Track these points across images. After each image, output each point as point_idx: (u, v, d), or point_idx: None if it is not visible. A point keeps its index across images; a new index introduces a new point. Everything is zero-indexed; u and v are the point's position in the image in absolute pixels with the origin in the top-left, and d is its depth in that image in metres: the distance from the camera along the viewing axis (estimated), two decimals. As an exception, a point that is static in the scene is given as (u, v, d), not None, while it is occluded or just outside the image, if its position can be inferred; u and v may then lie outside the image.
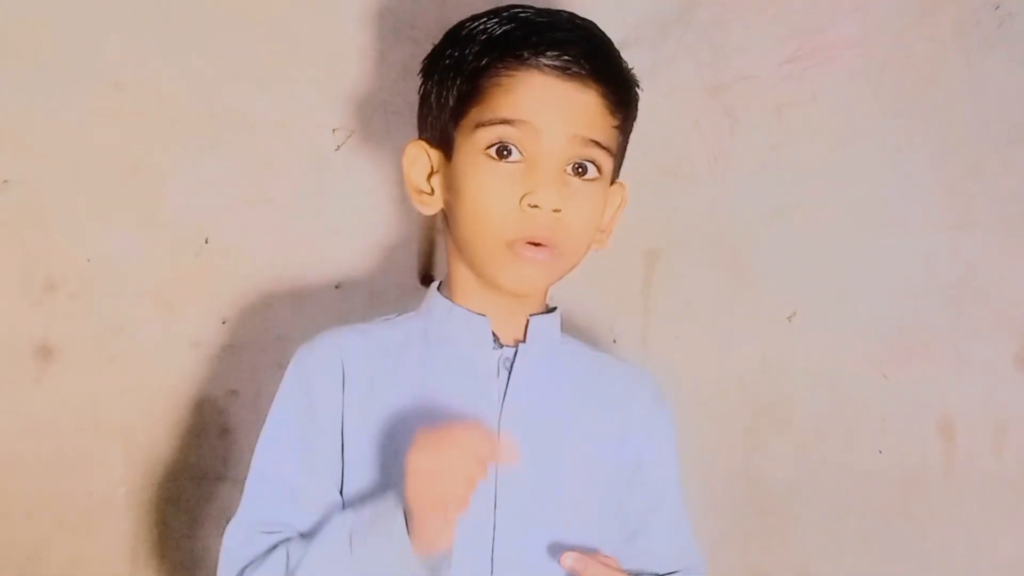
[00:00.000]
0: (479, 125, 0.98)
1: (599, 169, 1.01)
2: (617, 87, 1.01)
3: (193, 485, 1.25)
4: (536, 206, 0.96)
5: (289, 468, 1.00)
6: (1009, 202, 1.31)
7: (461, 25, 1.03)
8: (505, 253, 0.98)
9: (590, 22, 1.03)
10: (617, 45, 1.03)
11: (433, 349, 1.03)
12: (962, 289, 1.32)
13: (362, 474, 1.00)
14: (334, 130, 1.28)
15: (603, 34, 1.03)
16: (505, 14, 1.01)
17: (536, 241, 0.97)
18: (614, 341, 1.33)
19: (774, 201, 1.33)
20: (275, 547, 0.96)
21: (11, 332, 1.21)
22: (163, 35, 1.23)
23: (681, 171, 1.32)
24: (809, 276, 1.33)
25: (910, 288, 1.32)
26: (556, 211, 0.97)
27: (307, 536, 0.96)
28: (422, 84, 1.06)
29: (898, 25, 1.31)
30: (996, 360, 1.31)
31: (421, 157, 1.04)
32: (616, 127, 1.02)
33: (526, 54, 0.97)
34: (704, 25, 1.31)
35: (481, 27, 1.00)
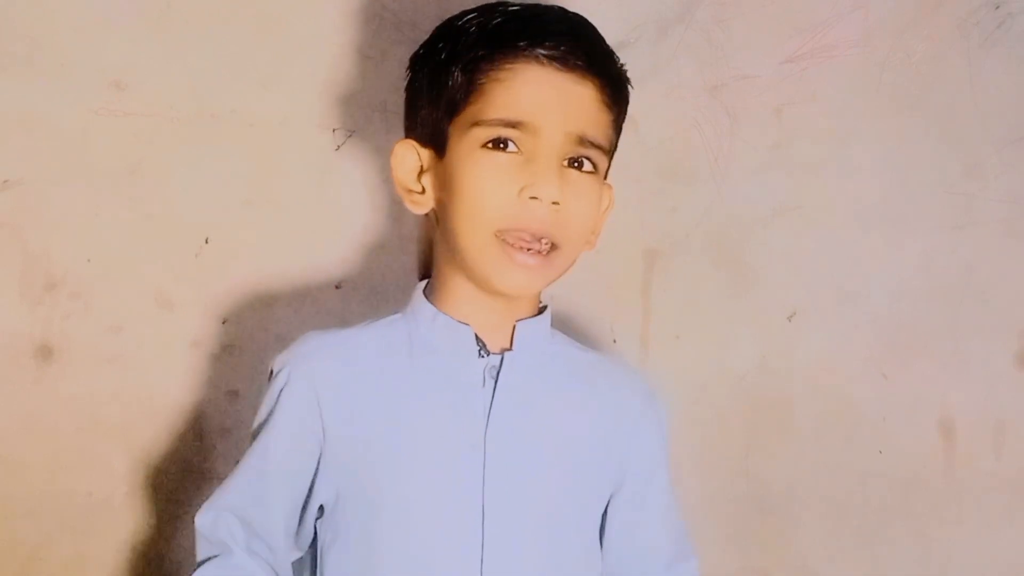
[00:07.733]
0: (476, 124, 0.97)
1: (594, 165, 1.00)
2: (613, 81, 1.01)
3: (193, 485, 1.25)
4: (535, 198, 0.95)
5: (267, 468, 1.00)
6: (1009, 202, 1.31)
7: (452, 21, 1.02)
8: (497, 249, 0.97)
9: (582, 17, 1.02)
10: (617, 45, 1.03)
11: (416, 358, 1.02)
12: (962, 289, 1.32)
13: (345, 488, 0.99)
14: (334, 130, 1.27)
15: (596, 29, 1.02)
16: (498, 9, 1.00)
17: (532, 237, 0.96)
18: (614, 341, 1.33)
19: (774, 201, 1.33)
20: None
21: (11, 332, 1.21)
22: (163, 35, 1.23)
23: (681, 171, 1.32)
24: (809, 276, 1.33)
25: (910, 288, 1.32)
26: (555, 203, 0.96)
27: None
28: (411, 79, 1.05)
29: (898, 25, 1.31)
30: (996, 360, 1.31)
31: (410, 155, 1.03)
32: (611, 122, 1.01)
33: (523, 44, 0.96)
34: (704, 25, 1.31)
35: (474, 21, 0.99)
